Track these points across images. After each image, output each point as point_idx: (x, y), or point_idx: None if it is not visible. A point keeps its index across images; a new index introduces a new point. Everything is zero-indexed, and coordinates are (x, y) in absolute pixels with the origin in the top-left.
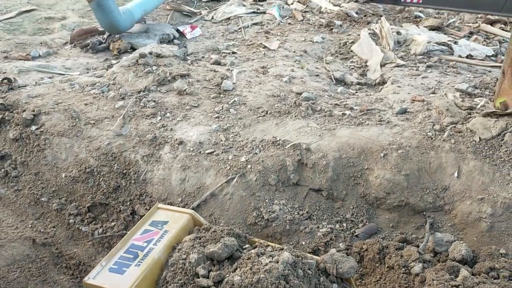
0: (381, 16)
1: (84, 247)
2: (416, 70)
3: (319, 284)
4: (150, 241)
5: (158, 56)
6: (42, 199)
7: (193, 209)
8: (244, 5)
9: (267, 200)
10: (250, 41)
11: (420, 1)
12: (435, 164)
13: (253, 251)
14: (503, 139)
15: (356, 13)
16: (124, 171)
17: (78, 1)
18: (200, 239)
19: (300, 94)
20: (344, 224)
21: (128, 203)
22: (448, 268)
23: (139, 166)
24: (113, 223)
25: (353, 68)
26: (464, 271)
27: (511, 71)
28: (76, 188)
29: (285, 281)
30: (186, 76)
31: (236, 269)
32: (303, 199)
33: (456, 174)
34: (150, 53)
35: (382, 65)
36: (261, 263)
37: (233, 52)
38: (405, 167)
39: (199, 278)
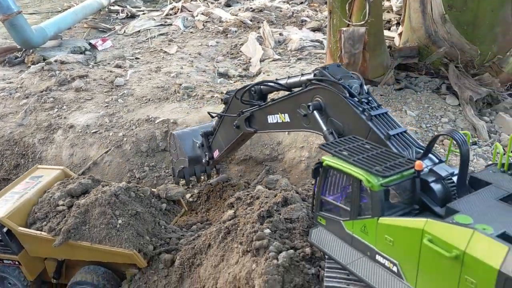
0: (272, 22)
1: None
2: (288, 62)
3: (151, 203)
4: (27, 188)
5: (62, 62)
6: None
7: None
8: (154, 19)
9: (139, 164)
10: (154, 49)
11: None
12: None
13: (100, 185)
14: None
15: (250, 20)
16: (23, 153)
17: (2, 26)
18: (65, 183)
19: (181, 84)
20: (202, 177)
21: None
22: (252, 189)
23: (36, 147)
24: None
25: (239, 65)
26: (259, 186)
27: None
28: None
29: (115, 197)
30: (85, 77)
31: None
32: (169, 161)
33: (287, 132)
34: (56, 61)
35: (262, 61)
36: (102, 190)
37: (137, 58)
38: None
39: (58, 206)
